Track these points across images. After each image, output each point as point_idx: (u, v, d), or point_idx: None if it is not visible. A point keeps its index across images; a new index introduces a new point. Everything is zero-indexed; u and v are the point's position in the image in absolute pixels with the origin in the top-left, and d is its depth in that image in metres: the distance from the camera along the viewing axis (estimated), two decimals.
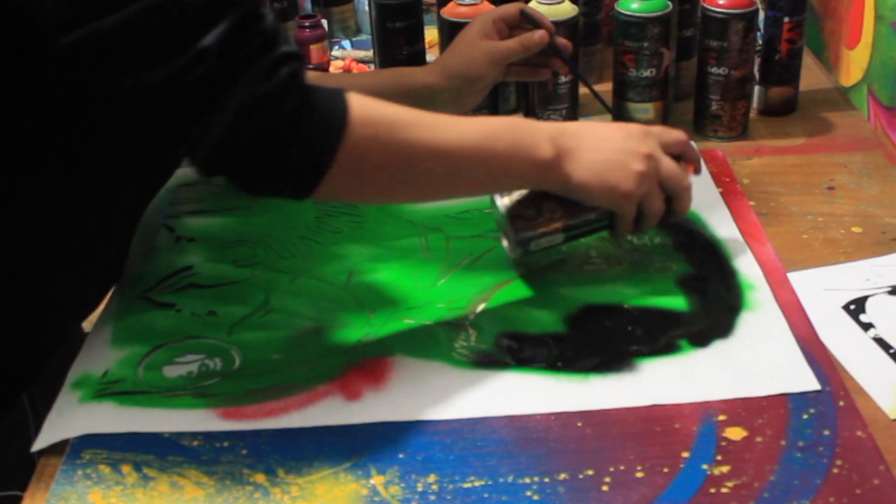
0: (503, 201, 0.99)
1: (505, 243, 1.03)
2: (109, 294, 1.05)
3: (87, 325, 1.05)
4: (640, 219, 0.98)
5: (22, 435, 0.93)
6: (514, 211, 0.98)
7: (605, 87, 1.38)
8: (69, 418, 0.88)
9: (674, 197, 0.98)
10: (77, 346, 0.98)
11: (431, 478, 0.82)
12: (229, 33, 0.77)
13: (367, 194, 0.93)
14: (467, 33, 1.16)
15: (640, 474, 0.81)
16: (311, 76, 0.98)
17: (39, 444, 0.86)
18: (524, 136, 0.92)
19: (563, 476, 0.81)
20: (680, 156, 1.00)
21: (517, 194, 0.99)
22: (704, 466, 0.81)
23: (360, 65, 1.52)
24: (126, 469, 0.84)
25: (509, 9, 1.17)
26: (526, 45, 1.15)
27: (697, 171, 1.03)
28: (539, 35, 1.15)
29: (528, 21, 1.17)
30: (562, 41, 1.19)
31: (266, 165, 0.83)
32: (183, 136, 0.80)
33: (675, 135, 1.00)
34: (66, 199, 0.88)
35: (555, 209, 0.98)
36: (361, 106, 0.85)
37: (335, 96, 0.84)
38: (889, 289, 1.00)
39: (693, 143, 1.02)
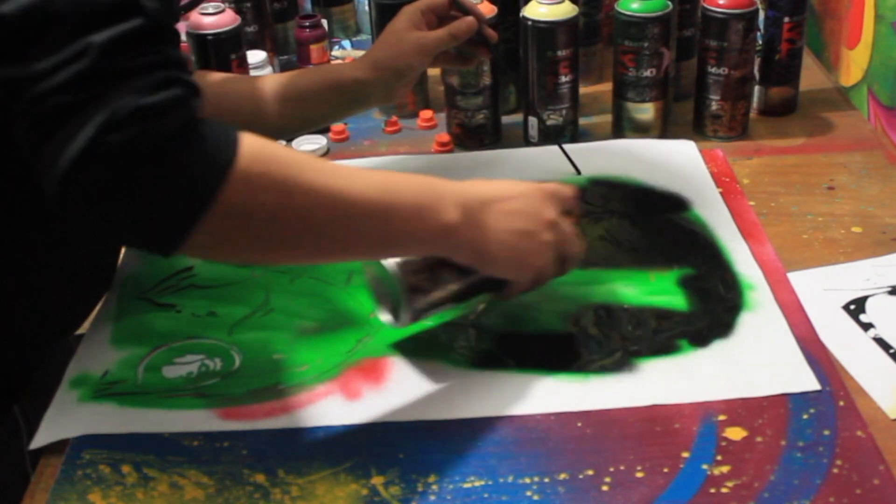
0: (393, 268, 0.88)
1: (384, 314, 0.92)
2: (106, 295, 1.05)
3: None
4: (531, 284, 0.93)
5: (15, 447, 0.92)
6: (409, 280, 0.88)
7: (605, 87, 1.38)
8: (68, 417, 0.88)
9: (567, 260, 0.93)
10: (67, 355, 0.97)
11: (431, 478, 0.82)
12: (123, 37, 0.69)
13: (250, 248, 0.79)
14: (395, 24, 1.12)
15: (640, 474, 0.81)
16: (232, 76, 0.96)
17: (37, 441, 0.86)
18: (430, 198, 0.84)
19: (563, 476, 0.81)
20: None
21: (408, 259, 0.89)
22: (704, 466, 0.81)
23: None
24: (126, 469, 0.84)
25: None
26: (454, 34, 1.11)
27: (577, 222, 0.97)
28: (467, 23, 1.11)
29: (457, 8, 1.13)
30: (489, 31, 1.14)
31: (129, 196, 0.69)
32: (42, 146, 0.69)
33: (566, 192, 0.94)
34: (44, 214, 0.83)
35: (450, 278, 0.90)
36: (255, 143, 0.75)
37: (226, 129, 0.74)
38: (889, 289, 1.00)
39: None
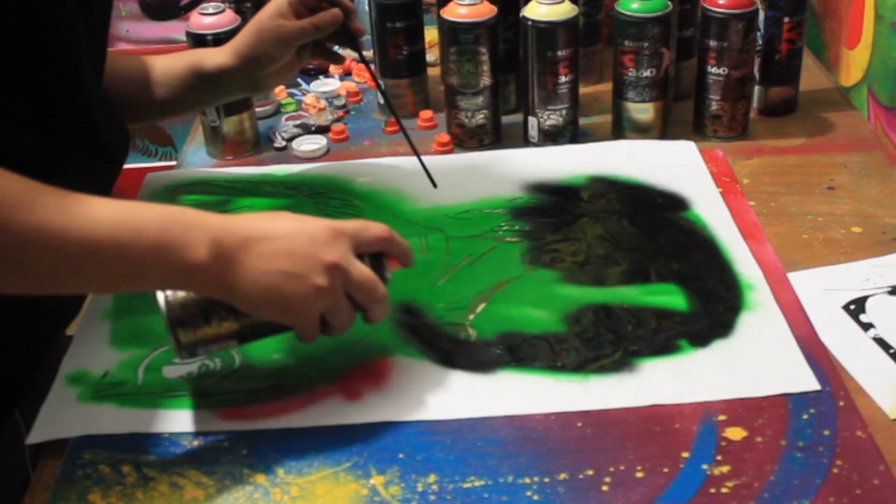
0: (166, 299, 0.83)
1: (171, 344, 0.85)
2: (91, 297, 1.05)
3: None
4: (326, 327, 0.86)
5: (16, 448, 0.92)
6: (176, 314, 0.83)
7: (605, 87, 1.38)
8: (68, 416, 0.88)
9: (366, 308, 0.86)
10: (63, 355, 0.97)
11: (431, 478, 0.82)
12: None
13: None
14: (262, 13, 1.10)
15: (640, 474, 0.81)
16: (125, 55, 0.96)
17: (34, 437, 0.86)
18: (176, 234, 0.77)
19: (563, 476, 0.81)
20: (383, 252, 0.88)
21: (181, 294, 0.83)
22: (704, 466, 0.81)
23: (360, 64, 1.52)
24: (126, 469, 0.84)
25: None
26: (318, 25, 1.09)
27: (406, 264, 0.90)
28: (332, 14, 1.09)
29: (327, 0, 1.10)
30: (356, 25, 1.12)
31: None
32: None
33: (374, 231, 0.86)
34: None
35: (225, 315, 0.84)
36: None
37: None
38: (889, 289, 1.00)
39: (398, 239, 0.89)
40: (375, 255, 0.87)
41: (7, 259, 0.74)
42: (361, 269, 0.84)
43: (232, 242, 0.80)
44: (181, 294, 0.83)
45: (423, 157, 1.14)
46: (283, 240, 0.82)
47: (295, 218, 0.85)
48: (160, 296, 0.83)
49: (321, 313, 0.84)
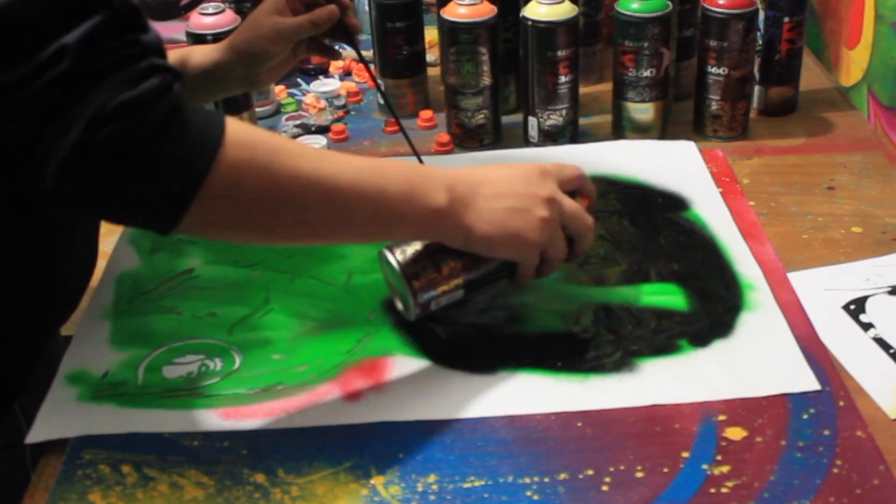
0: (396, 259, 0.91)
1: (399, 304, 0.95)
2: (96, 289, 1.05)
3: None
4: (542, 265, 0.93)
5: (17, 446, 0.92)
6: (410, 269, 0.91)
7: (605, 87, 1.38)
8: (68, 416, 0.88)
9: (576, 238, 0.93)
10: (62, 353, 0.97)
11: (431, 478, 0.82)
12: (95, 33, 0.70)
13: (242, 229, 0.81)
14: (259, 9, 1.11)
15: (640, 474, 0.81)
16: None
17: (34, 436, 0.86)
18: (419, 182, 0.85)
19: (563, 476, 0.81)
20: (576, 191, 0.95)
21: (411, 251, 0.91)
22: (704, 466, 0.81)
23: (360, 64, 1.52)
24: (126, 469, 0.84)
25: None
26: (315, 21, 1.09)
27: (593, 204, 0.97)
28: (329, 11, 1.09)
29: None
30: (353, 21, 1.12)
31: (124, 184, 0.72)
32: (34, 147, 0.71)
33: (572, 171, 0.94)
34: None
35: (454, 264, 0.91)
36: (240, 128, 0.77)
37: (211, 115, 0.77)
38: (889, 289, 1.00)
39: (588, 179, 0.96)
40: (570, 194, 0.94)
41: (285, 203, 0.79)
42: (571, 201, 0.92)
43: (462, 189, 0.87)
44: (409, 249, 0.91)
45: (423, 158, 1.14)
46: (503, 182, 0.89)
47: (505, 164, 0.92)
48: (392, 257, 0.91)
49: (543, 246, 0.90)
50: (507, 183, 0.89)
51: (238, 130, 0.77)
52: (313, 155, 0.81)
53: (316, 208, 0.81)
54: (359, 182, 0.82)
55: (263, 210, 0.79)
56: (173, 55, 1.13)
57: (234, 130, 0.76)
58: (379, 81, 1.24)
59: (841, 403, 0.87)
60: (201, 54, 1.13)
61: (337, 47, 1.21)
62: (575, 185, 0.94)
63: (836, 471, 0.80)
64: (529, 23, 1.24)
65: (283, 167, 0.78)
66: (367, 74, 1.49)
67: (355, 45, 1.13)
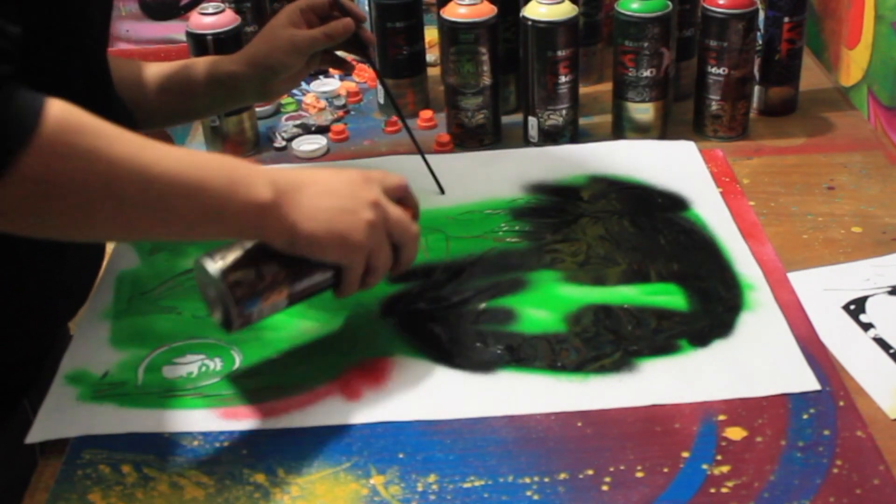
0: (216, 266, 0.85)
1: (217, 315, 0.88)
2: (96, 289, 1.05)
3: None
4: (366, 274, 0.89)
5: (28, 444, 0.92)
6: (232, 277, 0.85)
7: (605, 87, 1.38)
8: (68, 416, 0.88)
9: (401, 246, 0.90)
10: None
11: (431, 478, 0.82)
12: None
13: (54, 219, 0.76)
14: (274, 21, 1.13)
15: (640, 474, 0.81)
16: (121, 59, 0.97)
17: (34, 436, 0.86)
18: (242, 175, 0.82)
19: (563, 476, 0.81)
20: (401, 201, 0.93)
21: (231, 257, 0.86)
22: (704, 466, 0.81)
23: (360, 64, 1.52)
24: (126, 469, 0.84)
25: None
26: (330, 34, 1.11)
27: (416, 217, 0.94)
28: (344, 24, 1.11)
29: (338, 9, 1.12)
30: (367, 34, 1.14)
31: None
32: None
33: (396, 179, 0.92)
34: None
35: (277, 270, 0.87)
36: (65, 112, 0.73)
37: (34, 97, 0.73)
38: (889, 289, 1.00)
39: (411, 191, 0.94)
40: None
41: (102, 191, 0.75)
42: (396, 209, 0.90)
43: (287, 185, 0.84)
44: (229, 256, 0.86)
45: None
46: (328, 182, 0.87)
47: (329, 168, 0.92)
48: (212, 266, 0.86)
49: (369, 251, 0.88)
50: (333, 183, 0.88)
51: (61, 115, 0.73)
52: (133, 142, 0.77)
53: (133, 199, 0.77)
54: (179, 173, 0.79)
55: (77, 198, 0.75)
56: (199, 66, 1.15)
57: (55, 115, 0.72)
58: (391, 91, 1.25)
59: (841, 403, 0.87)
60: (215, 65, 1.14)
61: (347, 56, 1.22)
62: (398, 195, 0.92)
63: (836, 471, 0.80)
64: (529, 23, 1.24)
65: (101, 154, 0.75)
66: (368, 74, 1.49)
67: (370, 59, 1.15)
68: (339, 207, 0.86)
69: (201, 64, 1.15)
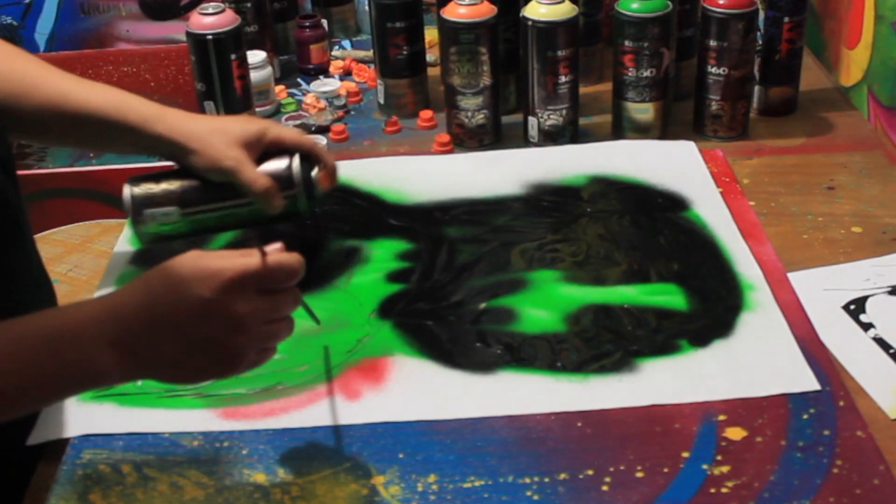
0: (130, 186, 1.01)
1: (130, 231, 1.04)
2: (96, 292, 1.05)
3: None
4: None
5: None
6: (134, 181, 1.01)
7: (605, 87, 1.38)
8: (68, 416, 0.88)
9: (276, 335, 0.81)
10: None
11: (431, 478, 0.82)
12: None
13: None
14: (227, 126, 1.01)
15: (640, 474, 0.81)
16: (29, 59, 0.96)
17: (34, 438, 0.86)
18: (72, 358, 0.74)
19: (563, 476, 0.81)
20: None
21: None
22: (704, 466, 0.81)
23: (360, 64, 1.52)
24: (126, 469, 0.84)
25: (281, 138, 1.02)
26: (263, 199, 1.00)
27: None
28: (278, 204, 1.00)
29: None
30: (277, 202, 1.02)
31: None
32: None
33: (252, 265, 0.76)
34: None
35: (173, 180, 1.00)
36: None
37: None
38: (889, 289, 1.00)
39: (278, 259, 0.78)
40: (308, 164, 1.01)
41: None
42: (265, 308, 0.78)
43: (132, 339, 0.75)
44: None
45: (423, 158, 1.14)
46: (181, 314, 0.75)
47: (167, 296, 0.76)
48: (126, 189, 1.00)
49: (252, 351, 0.79)
50: (189, 314, 0.75)
51: None
52: None
53: None
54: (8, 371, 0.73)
55: None
56: (126, 110, 1.01)
57: None
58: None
59: (841, 403, 0.87)
60: (145, 124, 1.00)
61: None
62: (269, 282, 0.78)
63: (836, 471, 0.80)
64: (529, 23, 1.24)
65: None
66: (367, 74, 1.49)
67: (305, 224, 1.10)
68: (204, 346, 0.76)
69: (118, 107, 1.00)
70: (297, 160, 1.02)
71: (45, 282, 1.01)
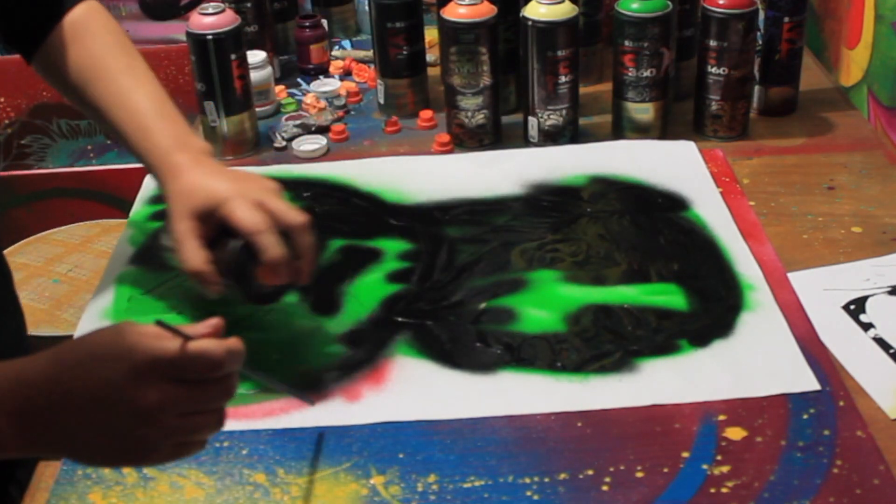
0: None
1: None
2: (94, 292, 1.05)
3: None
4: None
5: None
6: None
7: (605, 87, 1.38)
8: None
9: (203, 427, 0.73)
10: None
11: (431, 478, 0.82)
12: None
13: None
14: (196, 193, 0.91)
15: (640, 474, 0.81)
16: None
17: None
18: None
19: (563, 476, 0.81)
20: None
21: None
22: (704, 466, 0.81)
23: (360, 64, 1.52)
24: (126, 469, 0.84)
25: (231, 218, 0.89)
26: (207, 284, 0.91)
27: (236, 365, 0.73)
28: (219, 291, 0.91)
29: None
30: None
31: None
32: None
33: (170, 349, 0.68)
34: None
35: None
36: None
37: None
38: (889, 289, 1.00)
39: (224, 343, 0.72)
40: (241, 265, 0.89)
41: None
42: (185, 398, 0.69)
43: (35, 413, 0.67)
44: None
45: (423, 157, 1.14)
46: (89, 404, 0.67)
47: (79, 363, 0.68)
48: None
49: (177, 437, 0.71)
50: (98, 404, 0.67)
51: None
52: None
53: None
54: None
55: None
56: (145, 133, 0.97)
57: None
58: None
59: (841, 403, 0.87)
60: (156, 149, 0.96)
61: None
62: (189, 371, 0.69)
63: (836, 471, 0.80)
64: (529, 23, 1.24)
65: None
66: (367, 74, 1.49)
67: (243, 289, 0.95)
68: (112, 435, 0.68)
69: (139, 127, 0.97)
70: (235, 248, 0.89)
71: (11, 299, 1.00)
